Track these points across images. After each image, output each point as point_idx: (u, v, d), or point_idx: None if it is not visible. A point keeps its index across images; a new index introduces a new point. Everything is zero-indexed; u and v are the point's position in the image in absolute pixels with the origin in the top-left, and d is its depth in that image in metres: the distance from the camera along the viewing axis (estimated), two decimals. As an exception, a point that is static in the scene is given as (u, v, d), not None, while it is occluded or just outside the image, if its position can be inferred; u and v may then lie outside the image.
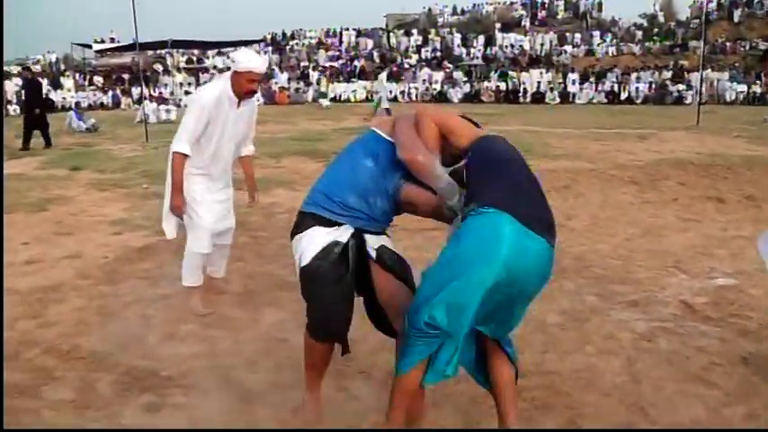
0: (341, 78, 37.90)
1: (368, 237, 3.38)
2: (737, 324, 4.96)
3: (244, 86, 4.79)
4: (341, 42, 48.29)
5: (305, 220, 3.37)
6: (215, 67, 42.40)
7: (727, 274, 6.14)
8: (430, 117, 3.31)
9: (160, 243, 6.86)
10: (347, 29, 49.29)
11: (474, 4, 54.29)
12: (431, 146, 3.23)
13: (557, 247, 3.05)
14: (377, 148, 3.39)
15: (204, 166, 4.98)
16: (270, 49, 47.42)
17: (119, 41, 42.08)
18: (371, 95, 35.72)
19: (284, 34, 49.93)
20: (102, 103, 36.26)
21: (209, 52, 45.94)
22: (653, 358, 4.37)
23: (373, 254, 3.37)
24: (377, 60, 43.42)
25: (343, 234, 3.30)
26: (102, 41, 44.93)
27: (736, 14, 45.36)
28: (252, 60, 4.81)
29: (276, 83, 39.53)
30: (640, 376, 4.13)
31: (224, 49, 42.70)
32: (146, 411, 3.68)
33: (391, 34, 48.58)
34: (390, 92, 36.38)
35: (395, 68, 40.14)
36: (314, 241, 3.27)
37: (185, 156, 4.83)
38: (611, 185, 10.56)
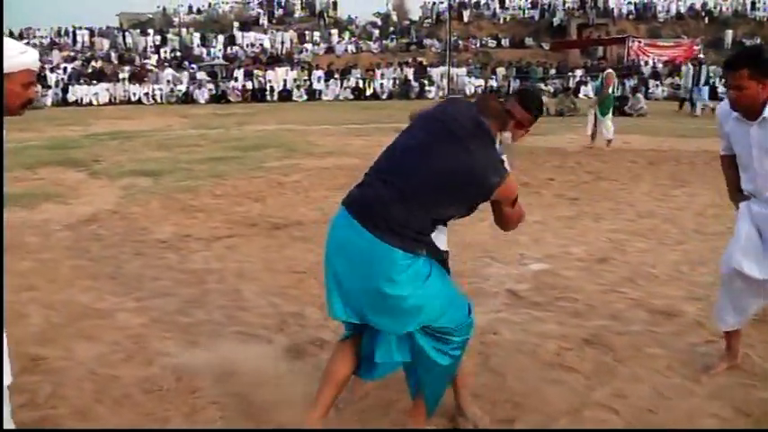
0: (81, 81, 35.32)
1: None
2: (566, 307, 5.10)
3: (20, 95, 2.85)
4: (75, 42, 45.23)
5: None
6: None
7: (537, 259, 6.35)
8: None
9: None
10: (80, 28, 46.23)
11: (210, 3, 53.38)
12: None
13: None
14: None
15: None
16: (-2, 49, 43.11)
17: None
18: (114, 98, 33.93)
19: (11, 33, 45.81)
20: None
21: None
22: (504, 350, 4.34)
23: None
24: (115, 61, 41.16)
25: None
26: None
27: (466, 15, 48.71)
28: (27, 52, 2.92)
29: (11, 87, 35.81)
30: (500, 370, 4.07)
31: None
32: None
33: (127, 34, 46.32)
34: (134, 94, 34.74)
35: (138, 70, 38.22)
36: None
37: None
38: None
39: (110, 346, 4.48)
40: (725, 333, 4.03)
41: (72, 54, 42.37)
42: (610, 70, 15.98)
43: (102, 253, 6.70)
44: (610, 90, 14.80)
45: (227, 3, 53.03)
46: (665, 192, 9.54)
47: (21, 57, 2.85)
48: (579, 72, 39.90)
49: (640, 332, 4.54)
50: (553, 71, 40.22)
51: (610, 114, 14.76)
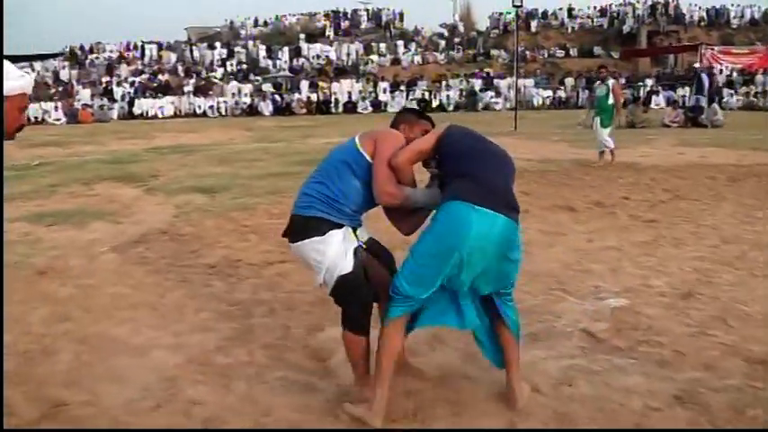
0: (147, 94, 35.64)
1: (358, 231, 3.93)
2: (651, 353, 4.48)
3: (16, 119, 2.92)
4: (143, 56, 45.89)
5: (317, 224, 3.75)
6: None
7: (615, 292, 5.70)
8: (406, 161, 3.78)
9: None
10: (149, 42, 46.93)
11: (276, 16, 53.68)
12: (408, 183, 3.83)
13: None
14: (362, 170, 3.81)
15: None
16: (68, 63, 43.96)
17: None
18: (179, 111, 34.16)
19: (82, 48, 46.56)
20: None
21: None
22: (583, 408, 3.75)
23: (364, 245, 3.91)
24: (181, 74, 41.51)
25: (351, 236, 3.84)
26: None
27: (534, 25, 47.86)
28: (24, 77, 2.95)
29: (79, 100, 36.33)
30: (577, 433, 3.51)
31: (19, 64, 38.98)
32: None
33: (194, 47, 46.78)
34: (199, 107, 34.93)
35: (204, 83, 38.45)
36: (342, 248, 3.74)
37: None
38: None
39: (139, 392, 4.05)
40: None
41: (140, 68, 42.91)
42: (613, 80, 14.45)
43: (146, 279, 6.32)
44: (611, 101, 13.47)
45: (293, 15, 53.25)
46: (750, 213, 8.70)
47: (20, 80, 2.90)
48: (650, 81, 38.71)
49: (739, 388, 3.89)
50: (623, 80, 39.01)
51: (612, 127, 13.55)
